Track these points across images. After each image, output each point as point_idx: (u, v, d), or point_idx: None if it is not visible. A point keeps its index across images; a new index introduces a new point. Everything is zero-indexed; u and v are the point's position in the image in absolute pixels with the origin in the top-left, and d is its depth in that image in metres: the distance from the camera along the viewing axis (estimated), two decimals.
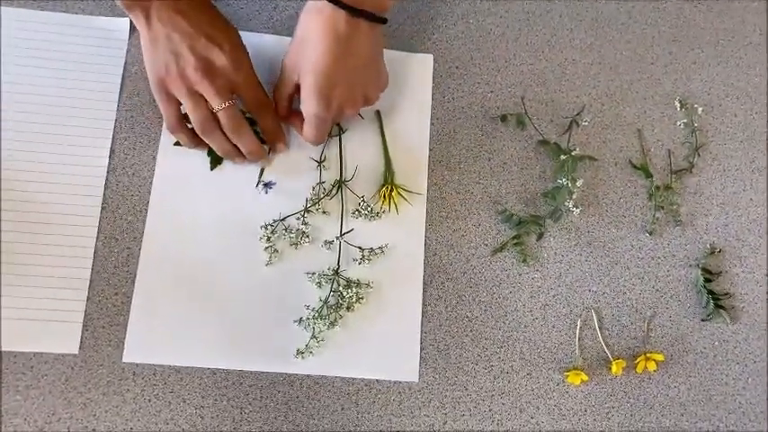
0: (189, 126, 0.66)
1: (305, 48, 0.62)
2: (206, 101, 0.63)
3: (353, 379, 0.66)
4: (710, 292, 0.72)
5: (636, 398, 0.69)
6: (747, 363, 0.71)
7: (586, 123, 0.76)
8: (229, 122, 0.64)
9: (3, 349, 0.63)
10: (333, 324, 0.65)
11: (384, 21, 0.64)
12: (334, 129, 0.72)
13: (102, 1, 0.73)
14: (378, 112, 0.74)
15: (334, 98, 0.64)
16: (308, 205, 0.69)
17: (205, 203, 0.68)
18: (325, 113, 0.64)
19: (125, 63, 0.72)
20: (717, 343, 0.72)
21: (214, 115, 0.64)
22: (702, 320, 0.72)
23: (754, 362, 0.72)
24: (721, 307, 0.72)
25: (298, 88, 0.66)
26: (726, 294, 0.73)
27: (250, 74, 0.66)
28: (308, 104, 0.64)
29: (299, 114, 0.67)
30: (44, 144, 0.68)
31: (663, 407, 0.69)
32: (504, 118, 0.75)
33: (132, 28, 0.73)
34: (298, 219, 0.68)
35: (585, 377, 0.67)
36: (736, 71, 0.82)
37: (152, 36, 0.62)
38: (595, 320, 0.70)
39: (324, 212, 0.69)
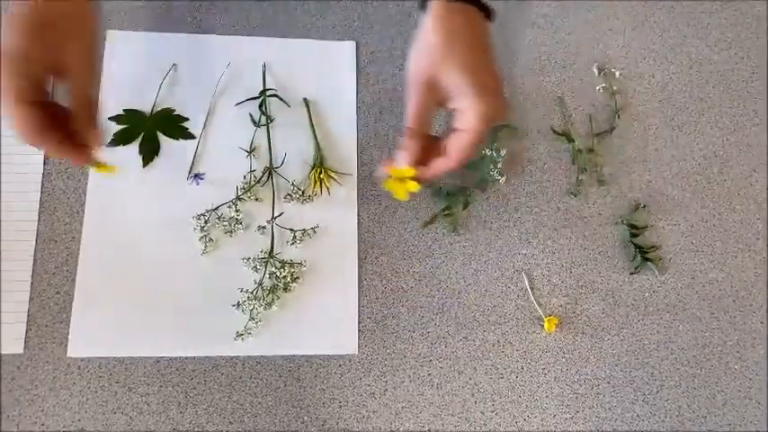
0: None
1: (446, 55, 0.56)
2: None
3: (294, 356, 0.68)
4: (637, 246, 0.75)
5: (570, 352, 0.71)
6: (677, 311, 0.74)
7: (507, 95, 0.79)
8: None
9: None
10: (269, 305, 0.68)
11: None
12: (261, 118, 0.74)
13: None
14: (305, 100, 0.76)
15: (500, 95, 0.57)
16: (240, 193, 0.71)
17: (139, 199, 0.71)
18: (496, 112, 0.56)
19: None
20: (647, 294, 0.74)
21: None
22: (631, 274, 0.75)
23: (684, 309, 0.74)
24: (649, 259, 0.75)
25: (439, 103, 0.58)
26: (652, 247, 0.76)
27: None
28: (482, 104, 0.54)
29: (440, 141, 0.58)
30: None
31: (597, 359, 0.71)
32: None
33: None
34: (230, 207, 0.71)
35: (556, 320, 0.70)
36: (651, 35, 0.85)
37: None
38: (526, 281, 0.73)
39: (257, 199, 0.72)
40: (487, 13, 0.59)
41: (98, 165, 0.60)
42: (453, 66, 0.56)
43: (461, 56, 0.56)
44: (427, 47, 0.57)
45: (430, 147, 0.58)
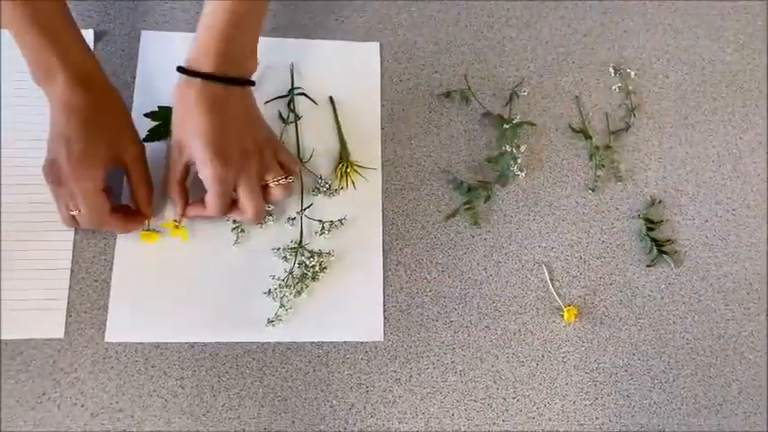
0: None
1: (185, 122, 0.65)
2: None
3: (322, 342, 0.70)
4: (653, 240, 0.77)
5: (589, 342, 0.73)
6: (692, 302, 0.76)
7: (525, 94, 0.82)
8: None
9: None
10: (299, 293, 0.70)
11: (252, 83, 0.68)
12: (290, 115, 0.77)
13: None
14: (331, 98, 0.79)
15: (230, 157, 0.65)
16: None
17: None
18: (225, 172, 0.65)
19: None
20: (663, 286, 0.76)
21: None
22: (647, 266, 0.77)
23: (699, 301, 0.76)
24: (665, 252, 0.77)
25: (187, 169, 0.68)
26: (668, 241, 0.78)
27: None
28: (205, 167, 0.65)
29: (196, 203, 0.70)
30: (23, 149, 0.73)
31: (615, 348, 0.74)
32: (448, 94, 0.81)
33: (96, 38, 0.78)
34: None
35: (575, 310, 0.72)
36: (665, 36, 0.88)
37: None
38: (546, 273, 0.75)
39: None
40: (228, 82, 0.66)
41: (145, 232, 0.71)
42: (191, 133, 0.65)
43: (196, 124, 0.65)
44: (173, 114, 0.67)
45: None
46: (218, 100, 0.65)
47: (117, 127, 0.68)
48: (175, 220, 0.71)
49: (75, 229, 0.71)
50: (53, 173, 0.65)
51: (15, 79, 0.75)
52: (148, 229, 0.71)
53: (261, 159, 0.68)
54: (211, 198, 0.67)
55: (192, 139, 0.65)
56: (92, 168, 0.65)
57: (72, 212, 0.67)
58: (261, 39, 0.80)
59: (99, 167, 0.65)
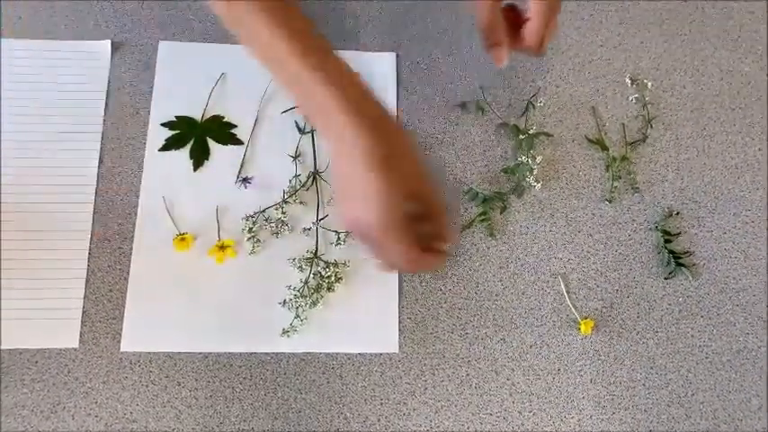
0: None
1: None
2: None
3: (337, 354, 0.70)
4: (671, 252, 0.76)
5: (606, 355, 0.73)
6: (711, 315, 0.75)
7: (541, 104, 0.81)
8: None
9: (9, 347, 0.67)
10: (314, 303, 0.70)
11: None
12: (306, 125, 0.77)
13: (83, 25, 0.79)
14: None
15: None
16: (286, 197, 0.74)
17: (190, 202, 0.73)
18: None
19: (108, 80, 0.78)
20: (681, 299, 0.76)
21: None
22: (665, 279, 0.76)
23: (718, 314, 0.75)
24: (682, 265, 0.76)
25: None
26: (686, 253, 0.77)
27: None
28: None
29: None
30: (39, 158, 0.74)
31: (632, 362, 0.73)
32: (464, 105, 0.80)
33: (113, 49, 0.79)
34: (276, 209, 0.73)
35: (591, 323, 0.71)
36: (682, 47, 0.87)
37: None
38: (562, 285, 0.74)
39: (301, 203, 0.74)
40: None
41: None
42: None
43: None
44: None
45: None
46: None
47: (412, 159, 0.58)
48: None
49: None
50: (364, 232, 0.58)
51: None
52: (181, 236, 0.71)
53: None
54: (539, 24, 0.66)
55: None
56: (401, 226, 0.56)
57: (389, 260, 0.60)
58: None
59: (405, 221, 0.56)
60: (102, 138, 0.75)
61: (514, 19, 0.68)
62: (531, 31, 0.67)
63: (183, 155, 0.75)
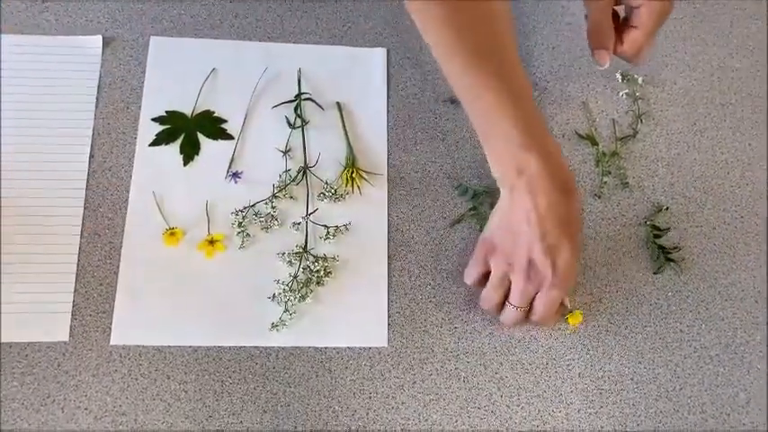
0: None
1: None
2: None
3: (326, 348, 0.70)
4: (660, 247, 0.77)
5: (594, 348, 0.73)
6: (700, 310, 0.75)
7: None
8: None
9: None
10: (304, 297, 0.70)
11: None
12: (296, 120, 0.78)
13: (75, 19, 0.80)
14: (338, 103, 0.79)
15: None
16: (276, 191, 0.74)
17: (180, 196, 0.74)
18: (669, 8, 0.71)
19: (99, 75, 0.78)
20: (669, 293, 0.76)
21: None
22: (654, 273, 0.76)
23: (706, 309, 0.76)
24: (672, 260, 0.76)
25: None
26: (675, 248, 0.77)
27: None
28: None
29: None
30: (30, 152, 0.74)
31: (621, 355, 0.73)
32: (453, 100, 0.81)
33: (104, 44, 0.79)
34: (266, 204, 0.74)
35: (580, 317, 0.72)
36: (673, 42, 0.87)
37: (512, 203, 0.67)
38: None
39: (291, 197, 0.75)
40: None
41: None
42: None
43: None
44: None
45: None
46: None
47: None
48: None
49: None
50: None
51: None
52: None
53: None
54: (642, 36, 0.71)
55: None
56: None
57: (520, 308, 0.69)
58: (267, 44, 0.82)
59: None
60: (93, 133, 0.76)
61: (614, 24, 0.73)
62: (634, 39, 0.71)
63: (173, 150, 0.75)
